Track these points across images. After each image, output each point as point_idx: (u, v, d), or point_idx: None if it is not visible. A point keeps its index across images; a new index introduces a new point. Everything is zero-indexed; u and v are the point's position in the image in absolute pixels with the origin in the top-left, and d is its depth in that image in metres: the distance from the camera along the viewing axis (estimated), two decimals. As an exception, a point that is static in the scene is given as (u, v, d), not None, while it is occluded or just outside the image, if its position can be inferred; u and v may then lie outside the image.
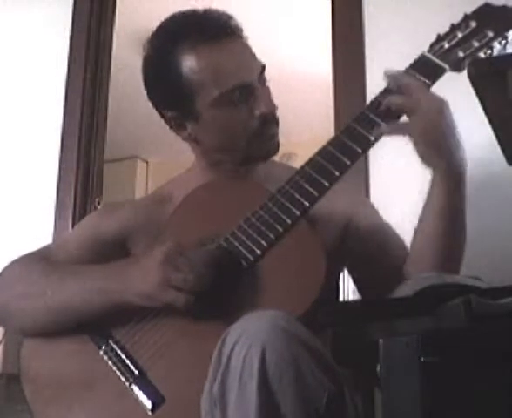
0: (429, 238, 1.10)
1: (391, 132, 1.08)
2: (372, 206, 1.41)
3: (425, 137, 1.05)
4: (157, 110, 1.25)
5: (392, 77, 1.10)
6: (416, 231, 1.14)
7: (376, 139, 1.07)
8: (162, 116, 1.25)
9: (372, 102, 1.11)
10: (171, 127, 1.25)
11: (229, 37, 1.17)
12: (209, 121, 1.19)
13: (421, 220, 1.13)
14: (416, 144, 1.06)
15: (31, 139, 2.44)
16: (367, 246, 1.22)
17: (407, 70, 1.11)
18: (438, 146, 1.05)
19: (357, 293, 1.33)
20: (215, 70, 1.16)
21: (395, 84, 1.09)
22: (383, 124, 1.07)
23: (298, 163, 1.16)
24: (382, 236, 1.24)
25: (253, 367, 0.81)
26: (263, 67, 1.20)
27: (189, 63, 1.16)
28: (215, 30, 1.17)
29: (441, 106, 1.06)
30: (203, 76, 1.16)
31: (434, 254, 1.10)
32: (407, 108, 1.06)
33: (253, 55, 1.21)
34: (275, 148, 1.22)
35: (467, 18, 1.13)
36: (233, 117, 1.17)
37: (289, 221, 1.07)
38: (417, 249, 1.14)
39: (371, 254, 1.22)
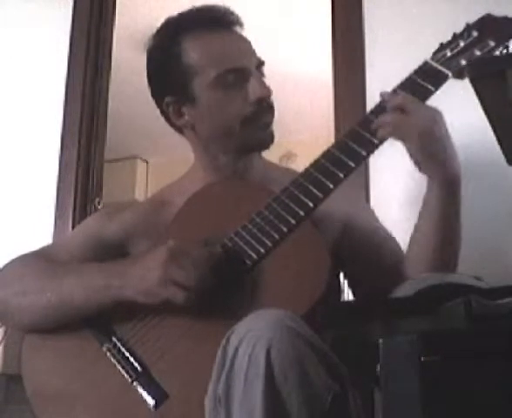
0: (426, 245, 1.11)
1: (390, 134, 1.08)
2: (368, 208, 1.41)
3: (421, 145, 1.05)
4: (156, 102, 1.27)
5: (385, 95, 1.11)
6: (412, 238, 1.15)
7: (381, 142, 1.08)
8: (161, 109, 1.27)
9: (365, 117, 1.10)
10: (168, 119, 1.27)
11: (229, 28, 1.23)
12: (205, 104, 1.21)
13: (416, 229, 1.14)
14: (412, 153, 1.07)
15: (31, 139, 2.44)
16: (363, 249, 1.23)
17: (410, 77, 1.11)
18: (434, 155, 1.06)
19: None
20: (213, 53, 1.21)
21: (387, 103, 1.09)
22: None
23: (298, 163, 1.17)
24: (377, 239, 1.25)
25: (259, 365, 0.81)
26: (262, 62, 1.24)
27: (189, 49, 1.21)
28: (216, 21, 1.22)
29: (434, 115, 1.06)
30: (201, 59, 1.20)
31: (430, 260, 1.11)
32: (397, 128, 1.06)
33: (252, 48, 1.24)
34: (270, 138, 1.23)
35: (469, 28, 1.13)
36: (228, 101, 1.20)
37: (293, 221, 1.07)
38: (414, 255, 1.14)
39: (365, 256, 1.22)
